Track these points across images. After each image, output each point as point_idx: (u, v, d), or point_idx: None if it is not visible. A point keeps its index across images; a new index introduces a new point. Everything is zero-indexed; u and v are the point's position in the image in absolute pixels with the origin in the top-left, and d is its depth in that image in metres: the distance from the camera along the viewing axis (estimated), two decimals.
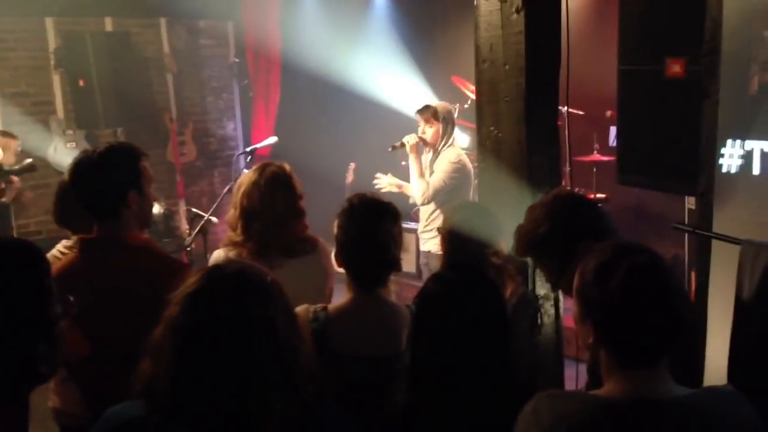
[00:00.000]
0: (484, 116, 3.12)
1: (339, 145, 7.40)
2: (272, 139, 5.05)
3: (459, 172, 4.70)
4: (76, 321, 1.53)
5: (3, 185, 5.40)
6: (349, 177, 7.64)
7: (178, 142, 7.65)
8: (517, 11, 2.90)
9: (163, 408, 1.36)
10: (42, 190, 6.90)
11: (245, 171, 5.11)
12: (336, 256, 2.31)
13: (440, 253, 2.99)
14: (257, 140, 7.43)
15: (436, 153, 4.81)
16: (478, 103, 3.15)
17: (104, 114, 6.46)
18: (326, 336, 2.18)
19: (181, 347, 1.35)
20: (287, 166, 2.83)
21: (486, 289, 1.95)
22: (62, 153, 6.64)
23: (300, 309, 2.21)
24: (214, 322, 1.36)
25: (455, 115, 5.11)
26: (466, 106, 7.06)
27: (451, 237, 2.77)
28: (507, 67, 2.98)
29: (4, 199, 5.41)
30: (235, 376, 1.34)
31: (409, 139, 4.75)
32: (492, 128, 3.08)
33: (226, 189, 4.88)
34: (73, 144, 6.74)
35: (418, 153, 4.80)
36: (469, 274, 1.99)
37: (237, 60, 8.08)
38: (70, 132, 6.81)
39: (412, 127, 4.87)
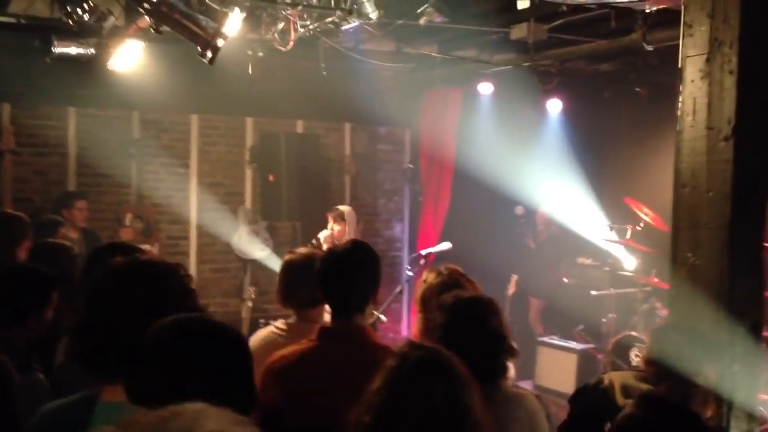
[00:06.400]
0: (680, 242, 3.04)
1: (503, 255, 7.40)
2: (447, 245, 5.16)
3: None
4: (313, 398, 1.69)
5: None
6: (511, 288, 7.59)
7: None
8: (726, 139, 2.85)
9: None
10: (222, 274, 7.42)
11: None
12: None
13: None
14: (423, 243, 7.59)
15: None
16: (675, 228, 3.08)
17: (287, 208, 6.90)
18: None
19: (374, 421, 1.56)
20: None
21: (691, 423, 1.90)
22: (245, 241, 7.12)
23: None
24: (406, 402, 1.56)
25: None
26: (638, 228, 6.86)
27: (655, 360, 2.62)
28: (711, 194, 2.90)
29: None
30: None
31: (322, 234, 5.99)
32: (689, 254, 2.98)
33: (397, 290, 5.03)
34: (256, 233, 7.22)
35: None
36: (673, 405, 1.95)
37: (411, 165, 8.43)
38: (254, 222, 7.32)
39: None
